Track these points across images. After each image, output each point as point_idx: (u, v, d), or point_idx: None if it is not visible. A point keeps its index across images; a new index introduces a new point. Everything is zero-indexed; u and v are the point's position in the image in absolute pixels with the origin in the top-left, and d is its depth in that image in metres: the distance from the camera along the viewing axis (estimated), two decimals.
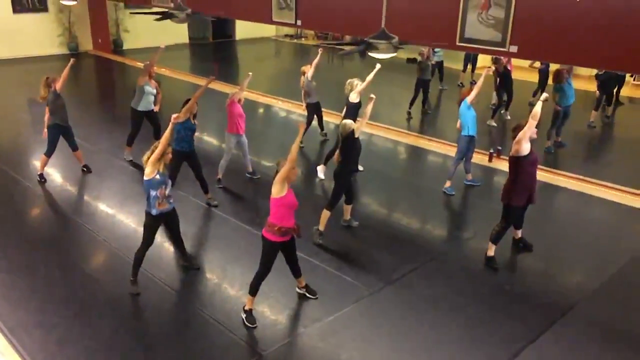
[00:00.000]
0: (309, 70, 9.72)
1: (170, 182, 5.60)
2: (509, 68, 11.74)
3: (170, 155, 5.51)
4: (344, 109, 8.41)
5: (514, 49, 7.58)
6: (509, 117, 11.86)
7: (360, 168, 8.64)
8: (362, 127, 6.63)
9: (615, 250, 6.81)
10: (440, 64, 14.01)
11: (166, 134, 5.43)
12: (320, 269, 6.22)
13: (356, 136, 6.50)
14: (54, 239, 6.85)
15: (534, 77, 13.25)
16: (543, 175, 8.65)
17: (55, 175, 8.52)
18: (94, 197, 7.94)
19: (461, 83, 14.89)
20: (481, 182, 8.59)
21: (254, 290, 5.21)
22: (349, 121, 6.65)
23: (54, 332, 5.08)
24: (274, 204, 5.03)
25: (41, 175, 8.19)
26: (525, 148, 5.98)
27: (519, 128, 6.07)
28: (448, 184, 8.18)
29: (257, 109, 12.95)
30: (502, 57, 10.83)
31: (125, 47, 19.11)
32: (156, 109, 8.87)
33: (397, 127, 11.25)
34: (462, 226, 7.62)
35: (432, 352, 4.98)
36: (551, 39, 7.23)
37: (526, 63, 12.73)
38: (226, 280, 6.02)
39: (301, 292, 5.66)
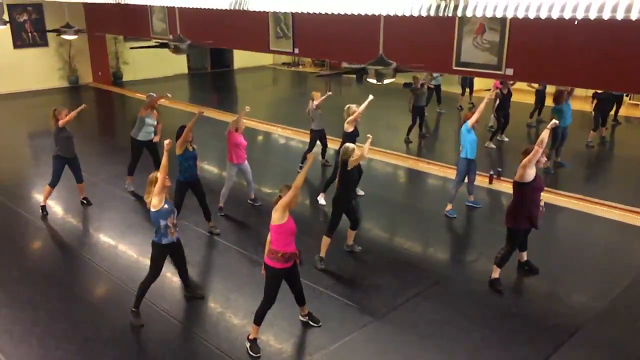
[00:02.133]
0: (318, 99, 9.79)
1: (176, 211, 5.61)
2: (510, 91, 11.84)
3: (169, 182, 5.51)
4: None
5: (509, 71, 7.67)
6: (506, 139, 11.94)
7: (361, 192, 8.67)
8: (355, 162, 6.47)
9: (619, 269, 6.78)
10: (437, 88, 14.18)
11: (163, 162, 5.44)
12: (325, 295, 6.18)
13: (348, 168, 6.44)
14: (56, 271, 6.82)
15: (530, 99, 13.38)
16: (544, 195, 8.66)
17: (56, 208, 8.53)
18: (96, 228, 7.93)
19: (460, 106, 15.05)
20: (482, 204, 8.59)
21: (259, 319, 5.17)
22: (351, 145, 6.60)
23: None
24: (275, 231, 5.02)
25: (43, 207, 8.20)
26: (530, 174, 5.95)
27: (527, 152, 6.01)
28: (449, 207, 8.19)
29: (257, 136, 13.02)
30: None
31: (125, 79, 19.33)
32: (156, 139, 8.92)
33: (395, 151, 11.30)
34: (465, 249, 7.60)
35: None
36: (547, 60, 7.33)
37: (522, 85, 12.88)
38: (230, 309, 5.98)
39: (304, 319, 5.62)
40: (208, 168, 10.30)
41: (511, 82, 11.34)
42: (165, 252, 5.59)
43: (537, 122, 13.32)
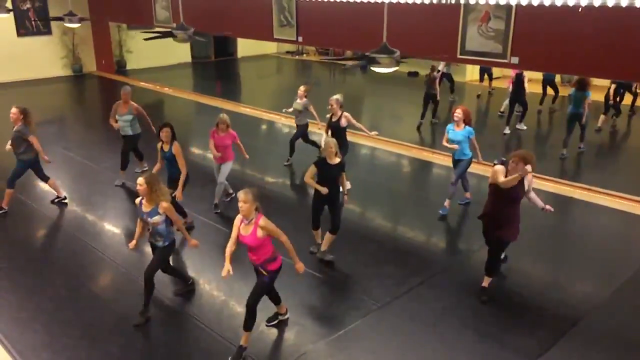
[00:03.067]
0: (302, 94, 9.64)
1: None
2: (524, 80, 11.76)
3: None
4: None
5: (515, 60, 7.62)
6: (525, 127, 11.94)
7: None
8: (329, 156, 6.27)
9: (624, 259, 6.76)
10: (449, 76, 14.09)
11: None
12: (327, 284, 6.20)
13: (332, 163, 6.26)
14: (60, 259, 6.85)
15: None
16: (549, 185, 8.65)
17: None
18: (100, 217, 7.96)
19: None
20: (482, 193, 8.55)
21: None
22: (331, 140, 6.36)
23: (62, 354, 5.06)
24: (269, 242, 4.94)
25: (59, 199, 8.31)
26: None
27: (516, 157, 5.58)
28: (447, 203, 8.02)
29: (260, 125, 13.00)
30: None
31: (128, 67, 19.30)
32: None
33: (399, 140, 11.27)
34: (468, 239, 7.59)
35: None
36: (553, 49, 7.27)
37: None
38: (233, 297, 6.00)
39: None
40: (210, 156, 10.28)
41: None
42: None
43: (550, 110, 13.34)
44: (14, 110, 7.61)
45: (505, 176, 5.51)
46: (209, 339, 5.30)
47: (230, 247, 4.92)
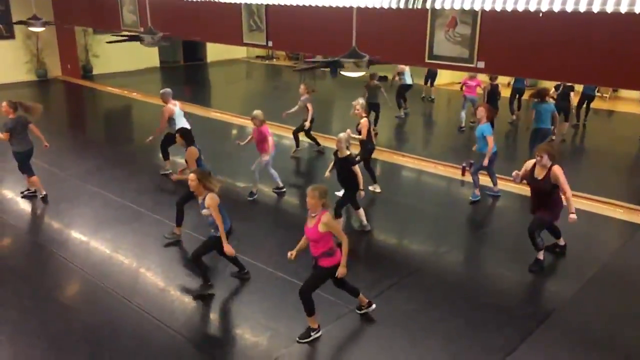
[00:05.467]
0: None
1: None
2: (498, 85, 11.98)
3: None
4: None
5: (481, 64, 7.79)
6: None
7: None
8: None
9: (588, 258, 6.95)
10: (408, 87, 14.12)
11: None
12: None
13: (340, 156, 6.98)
14: (26, 269, 6.68)
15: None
16: (513, 186, 8.83)
17: (25, 204, 8.36)
18: (66, 225, 7.79)
19: (424, 97, 15.61)
20: (458, 195, 8.71)
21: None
22: (342, 136, 6.97)
23: None
24: (330, 239, 5.12)
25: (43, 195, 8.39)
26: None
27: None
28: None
29: (231, 130, 12.94)
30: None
31: (95, 72, 18.98)
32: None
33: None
34: (438, 241, 7.68)
35: None
36: (517, 53, 7.45)
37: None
38: (205, 303, 5.94)
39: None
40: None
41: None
42: None
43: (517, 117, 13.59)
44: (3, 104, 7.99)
45: (534, 167, 6.45)
46: (179, 345, 5.23)
47: (304, 238, 5.27)
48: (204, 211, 5.74)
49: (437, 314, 5.73)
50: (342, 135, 7.00)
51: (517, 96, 13.44)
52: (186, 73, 21.08)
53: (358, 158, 8.02)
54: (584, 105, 13.05)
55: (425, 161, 10.33)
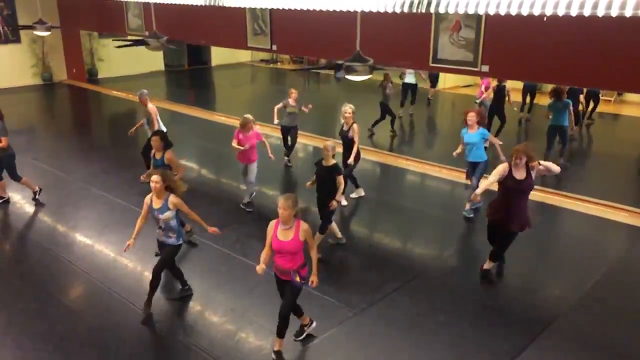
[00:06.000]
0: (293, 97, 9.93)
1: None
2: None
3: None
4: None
5: (485, 68, 7.78)
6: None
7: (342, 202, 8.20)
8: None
9: (592, 262, 6.92)
10: (413, 86, 14.10)
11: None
12: (304, 291, 6.17)
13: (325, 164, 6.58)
14: (32, 271, 6.71)
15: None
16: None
17: (30, 207, 8.39)
18: (71, 228, 7.82)
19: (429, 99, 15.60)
20: (460, 199, 8.68)
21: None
22: (329, 143, 6.65)
23: None
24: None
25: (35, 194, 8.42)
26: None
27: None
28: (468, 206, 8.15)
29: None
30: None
31: (100, 76, 19.04)
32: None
33: (375, 147, 11.36)
34: (443, 244, 7.68)
35: None
36: (522, 57, 7.43)
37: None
38: (209, 307, 5.95)
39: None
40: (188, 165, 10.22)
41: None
42: None
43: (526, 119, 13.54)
44: None
45: (510, 170, 5.97)
46: (183, 349, 5.24)
47: (266, 252, 4.89)
48: (166, 214, 5.47)
49: (442, 317, 5.72)
50: (329, 143, 6.64)
51: (528, 94, 13.42)
52: (191, 77, 21.13)
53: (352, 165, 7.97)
54: (589, 108, 13.03)
55: (429, 165, 10.33)
